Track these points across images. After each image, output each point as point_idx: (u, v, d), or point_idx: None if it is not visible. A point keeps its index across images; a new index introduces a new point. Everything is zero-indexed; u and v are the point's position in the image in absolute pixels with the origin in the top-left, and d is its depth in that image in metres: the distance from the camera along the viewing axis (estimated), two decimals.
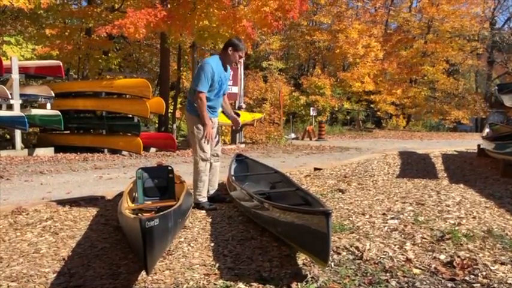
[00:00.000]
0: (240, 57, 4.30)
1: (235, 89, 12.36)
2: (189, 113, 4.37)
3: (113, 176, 6.90)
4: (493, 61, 29.26)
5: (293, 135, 17.10)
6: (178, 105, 17.47)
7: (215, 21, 10.89)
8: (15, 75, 10.02)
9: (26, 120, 9.44)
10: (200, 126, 4.27)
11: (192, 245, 3.21)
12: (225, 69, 4.34)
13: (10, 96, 9.80)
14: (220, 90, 4.35)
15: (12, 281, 2.56)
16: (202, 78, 4.12)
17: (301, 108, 22.11)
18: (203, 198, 4.41)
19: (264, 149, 12.16)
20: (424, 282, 2.43)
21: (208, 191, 4.58)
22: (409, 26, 25.90)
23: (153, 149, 10.86)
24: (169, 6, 11.32)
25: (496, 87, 8.74)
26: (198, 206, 4.33)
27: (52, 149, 10.38)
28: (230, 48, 4.24)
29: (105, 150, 10.64)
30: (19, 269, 2.76)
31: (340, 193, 5.02)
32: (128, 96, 10.98)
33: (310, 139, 16.69)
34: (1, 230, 3.67)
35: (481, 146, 8.52)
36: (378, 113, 24.98)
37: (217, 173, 4.71)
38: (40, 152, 10.08)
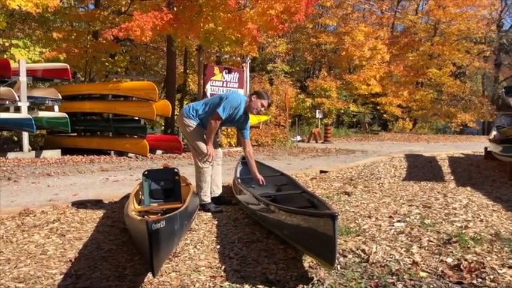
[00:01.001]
0: (262, 105, 4.38)
1: (241, 92, 12.36)
2: (189, 118, 4.40)
3: (119, 178, 6.93)
4: (500, 63, 29.09)
5: (299, 138, 17.08)
6: None
7: (221, 24, 10.90)
8: (23, 78, 10.08)
9: (34, 122, 9.48)
10: (199, 135, 4.39)
11: (198, 247, 3.21)
12: (244, 112, 4.43)
13: (18, 99, 9.86)
14: (225, 122, 4.48)
15: (19, 282, 2.58)
16: (227, 107, 4.22)
17: (307, 110, 22.12)
18: (208, 198, 4.45)
19: (269, 151, 12.16)
20: (431, 286, 2.42)
21: (213, 191, 4.62)
22: (416, 28, 25.82)
23: (159, 151, 10.88)
24: (175, 9, 11.36)
25: (503, 90, 8.70)
26: (204, 208, 4.34)
27: (59, 151, 10.43)
28: (254, 96, 4.40)
29: (112, 152, 10.68)
30: (26, 270, 2.78)
31: (346, 196, 5.02)
32: (134, 98, 11.02)
33: (316, 142, 16.67)
34: (9, 231, 3.70)
35: (488, 149, 8.47)
36: (384, 115, 24.92)
37: (219, 172, 4.74)
38: (47, 154, 10.13)
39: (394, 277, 2.54)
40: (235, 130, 12.35)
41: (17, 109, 10.21)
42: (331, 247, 2.31)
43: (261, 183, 4.50)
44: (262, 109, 4.40)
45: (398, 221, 3.75)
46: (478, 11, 24.70)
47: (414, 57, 25.28)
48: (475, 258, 2.80)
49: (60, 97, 10.93)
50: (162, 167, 4.59)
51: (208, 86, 11.56)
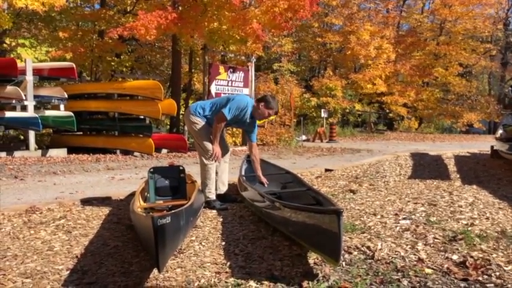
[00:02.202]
0: (269, 114, 4.40)
1: (246, 91, 12.36)
2: (195, 116, 4.43)
3: (125, 176, 6.96)
4: (506, 62, 28.89)
5: (304, 137, 17.06)
6: None
7: (225, 23, 10.90)
8: (29, 77, 10.13)
9: (40, 121, 9.54)
10: (205, 134, 4.40)
11: (203, 243, 3.23)
12: (251, 117, 4.44)
13: (24, 98, 9.92)
14: (231, 123, 4.52)
15: (26, 278, 2.60)
16: (233, 108, 4.24)
17: (312, 110, 22.06)
18: (213, 195, 4.47)
19: (274, 150, 12.15)
20: (436, 282, 2.41)
21: (219, 188, 4.64)
22: (422, 27, 25.68)
23: (164, 150, 10.91)
24: (180, 8, 11.37)
25: (510, 89, 8.66)
26: (209, 205, 4.36)
27: (65, 150, 10.47)
28: (262, 104, 4.36)
29: (117, 151, 10.71)
30: (33, 266, 2.80)
31: (352, 194, 5.01)
32: (140, 97, 11.04)
33: (321, 141, 16.64)
34: (16, 228, 3.73)
35: (495, 147, 8.43)
36: (390, 114, 24.82)
37: (226, 170, 4.76)
38: (53, 152, 10.18)
39: (399, 274, 2.54)
40: (240, 129, 12.37)
41: (24, 108, 10.26)
42: (337, 244, 2.31)
43: (265, 185, 4.51)
44: (268, 116, 4.43)
45: (404, 219, 3.74)
46: (484, 9, 24.56)
47: (420, 57, 25.15)
48: (480, 255, 2.79)
49: (66, 96, 10.98)
50: (167, 165, 4.61)
51: (213, 85, 11.55)
